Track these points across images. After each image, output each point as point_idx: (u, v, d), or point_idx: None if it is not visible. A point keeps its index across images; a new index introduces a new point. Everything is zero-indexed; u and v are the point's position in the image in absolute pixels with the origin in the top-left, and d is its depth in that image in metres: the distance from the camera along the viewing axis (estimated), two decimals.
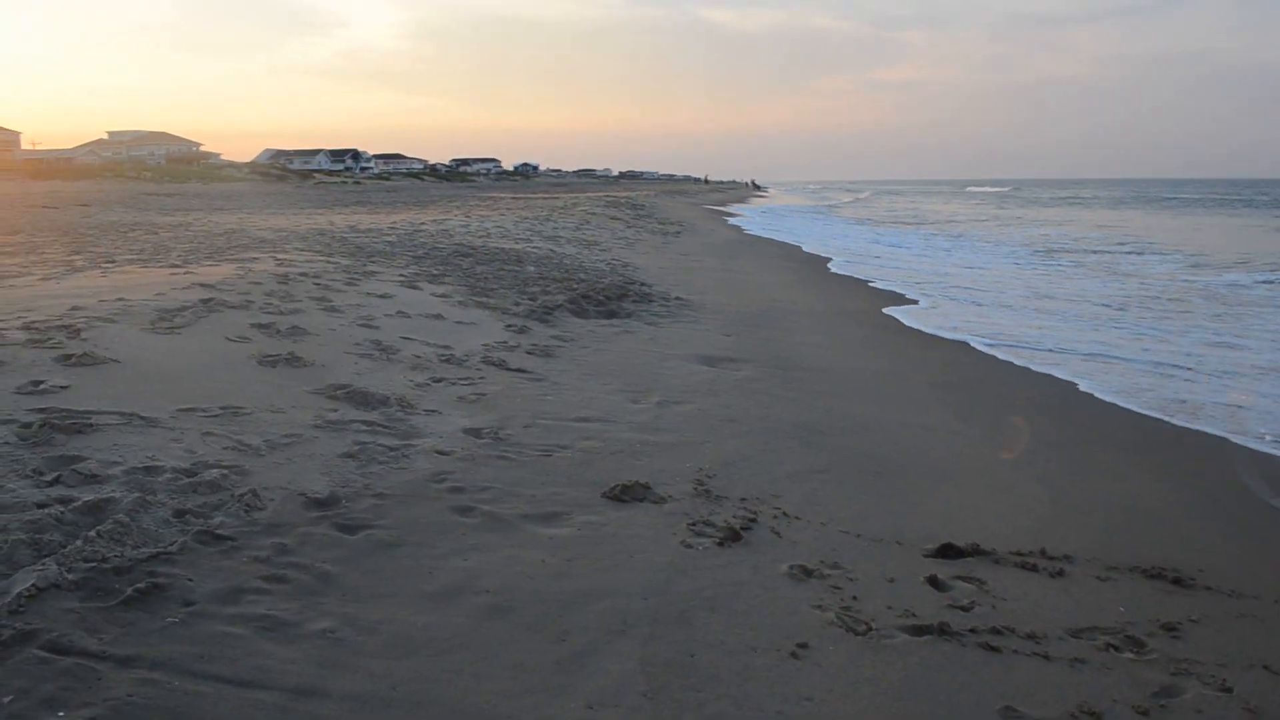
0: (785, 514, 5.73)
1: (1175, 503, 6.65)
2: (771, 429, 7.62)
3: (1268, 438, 8.36)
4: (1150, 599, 4.97)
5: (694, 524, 5.43)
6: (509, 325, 10.75)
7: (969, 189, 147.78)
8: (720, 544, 5.20)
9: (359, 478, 5.55)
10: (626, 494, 5.79)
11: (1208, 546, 5.82)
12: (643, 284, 16.04)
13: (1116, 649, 4.39)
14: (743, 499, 5.90)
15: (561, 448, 6.60)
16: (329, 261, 13.87)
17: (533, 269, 16.11)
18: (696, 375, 9.40)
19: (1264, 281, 21.54)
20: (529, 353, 9.52)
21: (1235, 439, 8.32)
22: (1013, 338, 13.15)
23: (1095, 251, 31.35)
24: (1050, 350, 12.28)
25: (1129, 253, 30.93)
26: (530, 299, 12.66)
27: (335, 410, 6.78)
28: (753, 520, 5.55)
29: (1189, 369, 11.27)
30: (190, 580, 4.14)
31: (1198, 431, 8.57)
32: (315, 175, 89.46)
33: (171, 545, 4.36)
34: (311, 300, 10.35)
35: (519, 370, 8.75)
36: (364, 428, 6.46)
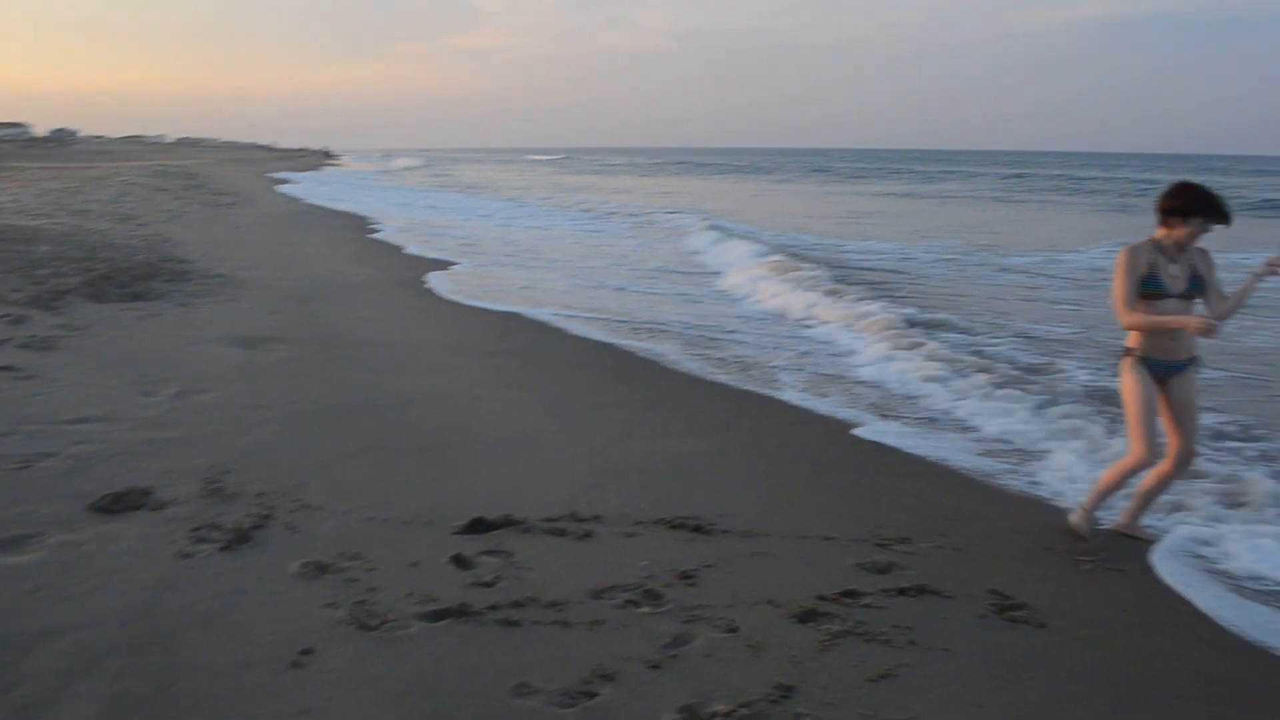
0: (307, 506, 5.31)
1: (707, 454, 6.90)
2: (305, 412, 7.13)
3: (798, 389, 9.09)
4: (672, 550, 5.09)
5: (197, 529, 4.87)
6: (2, 316, 9.30)
7: (528, 156, 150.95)
8: (225, 549, 4.69)
9: None
10: (119, 503, 5.09)
11: (731, 493, 6.08)
12: (181, 261, 14.70)
13: (635, 604, 4.43)
14: (260, 494, 5.40)
15: (46, 456, 5.72)
16: None
17: (47, 249, 14.21)
18: (227, 359, 8.64)
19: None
20: (23, 347, 8.27)
21: (772, 394, 8.84)
22: (563, 302, 13.42)
23: (641, 214, 32.90)
24: (599, 313, 12.65)
25: (670, 213, 32.90)
26: (37, 283, 11.11)
27: None
28: (267, 517, 5.08)
29: (734, 330, 11.99)
30: None
31: (738, 389, 8.97)
32: None
33: None
34: None
35: (5, 369, 7.55)
36: None
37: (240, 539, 4.78)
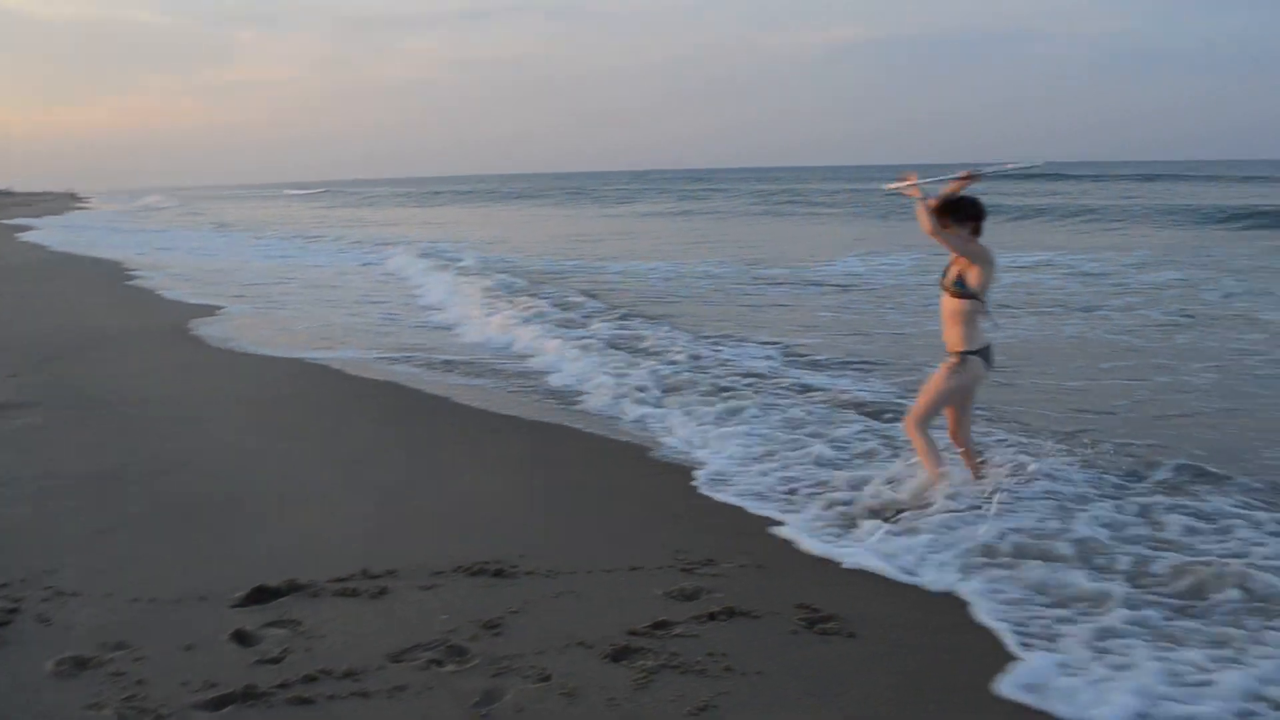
0: (60, 593, 4.76)
1: (502, 491, 6.67)
2: (53, 487, 6.45)
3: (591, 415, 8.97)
4: (474, 598, 4.85)
5: None
6: None
7: (287, 191, 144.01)
8: None
9: None
10: None
11: (531, 531, 5.87)
12: None
13: (439, 663, 4.18)
14: (3, 586, 4.81)
15: None
16: None
17: None
18: None
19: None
20: None
21: (562, 423, 8.62)
22: (342, 341, 12.86)
23: (407, 246, 31.60)
24: (379, 351, 12.19)
25: (437, 244, 32.25)
26: None
27: None
28: (13, 611, 4.53)
29: (517, 360, 11.69)
30: None
31: (527, 420, 8.72)
32: None
33: None
34: None
35: None
36: None
37: None
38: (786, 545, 5.64)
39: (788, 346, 11.95)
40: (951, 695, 3.96)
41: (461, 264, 22.58)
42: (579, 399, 9.37)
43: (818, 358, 11.19)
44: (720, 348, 11.83)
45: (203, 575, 5.06)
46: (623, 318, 14.34)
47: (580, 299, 16.28)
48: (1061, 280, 18.45)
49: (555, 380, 10.22)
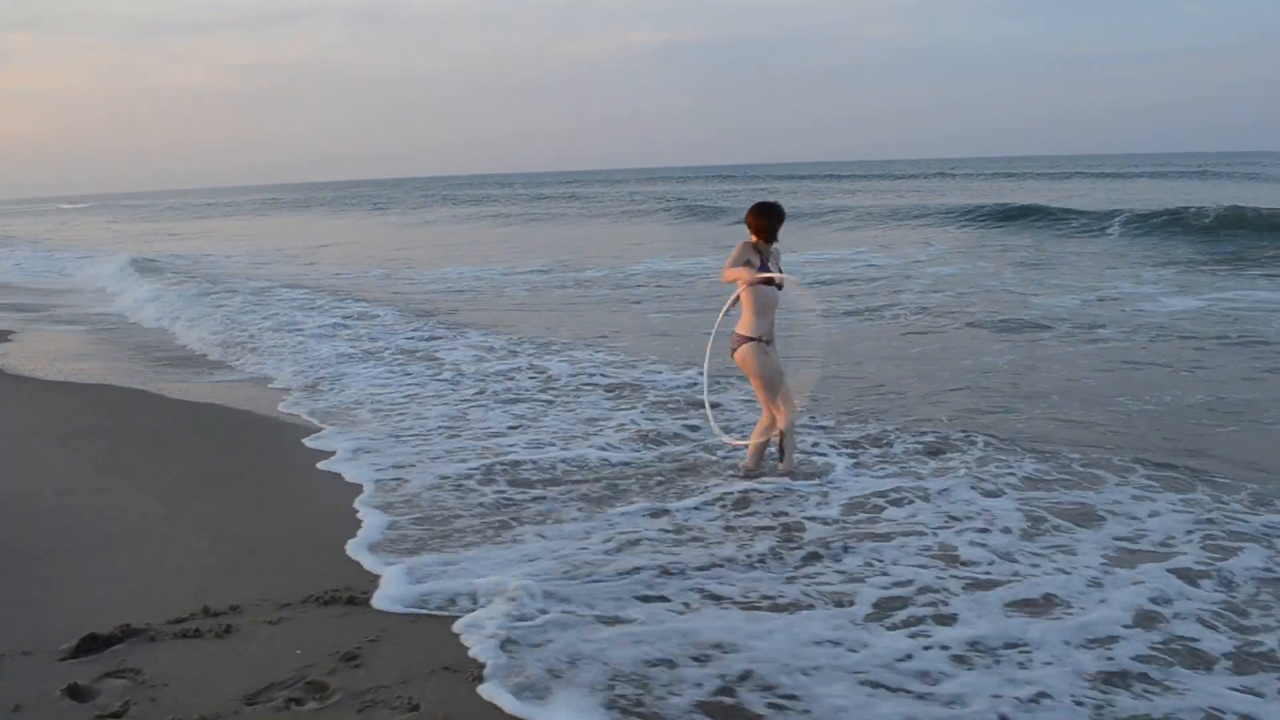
0: None
1: (345, 513, 6.38)
2: None
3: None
4: (328, 630, 4.63)
5: None
6: None
7: (61, 205, 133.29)
8: None
9: None
10: None
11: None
12: None
13: (298, 702, 3.97)
14: None
15: None
16: None
17: None
18: None
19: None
20: None
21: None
22: (153, 361, 12.14)
23: (209, 261, 29.91)
24: (196, 370, 11.58)
25: (223, 257, 31.08)
26: None
27: None
28: None
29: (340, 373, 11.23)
30: None
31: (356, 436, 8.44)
32: None
33: None
34: None
35: None
36: None
37: None
38: None
39: (607, 350, 12.06)
40: None
41: (263, 281, 21.64)
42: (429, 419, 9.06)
43: (630, 360, 11.30)
44: (535, 356, 11.73)
45: (24, 628, 4.65)
46: (431, 330, 14.10)
47: (385, 312, 15.94)
48: (864, 274, 19.48)
49: (367, 397, 9.85)
